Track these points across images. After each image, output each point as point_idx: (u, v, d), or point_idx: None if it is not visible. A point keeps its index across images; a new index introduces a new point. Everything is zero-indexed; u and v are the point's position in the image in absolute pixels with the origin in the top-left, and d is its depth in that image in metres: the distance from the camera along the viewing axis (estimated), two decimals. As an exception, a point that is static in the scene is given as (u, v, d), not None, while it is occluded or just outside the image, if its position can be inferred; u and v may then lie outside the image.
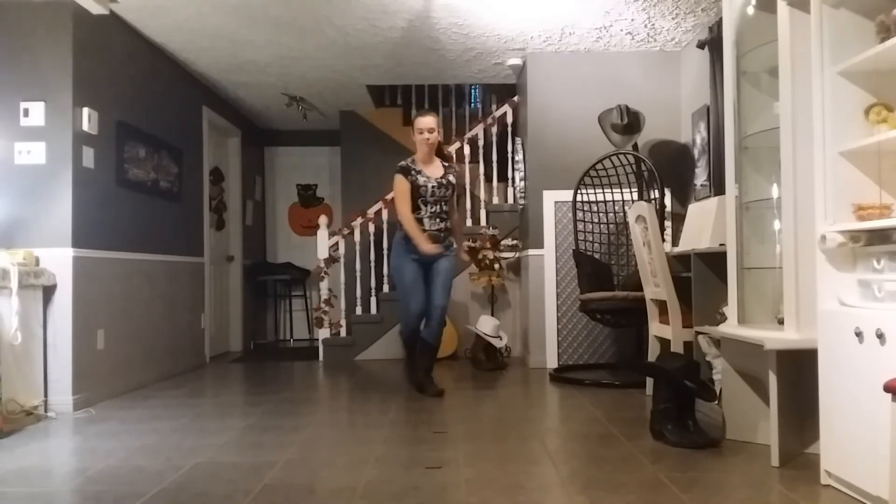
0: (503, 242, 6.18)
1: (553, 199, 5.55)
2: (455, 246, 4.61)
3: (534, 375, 5.21)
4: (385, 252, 6.34)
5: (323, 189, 8.39)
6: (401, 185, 4.41)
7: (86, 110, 4.24)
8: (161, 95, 5.39)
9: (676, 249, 4.32)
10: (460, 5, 4.63)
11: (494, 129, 6.41)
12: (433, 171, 4.46)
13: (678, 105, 5.59)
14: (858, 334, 2.24)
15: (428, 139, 4.42)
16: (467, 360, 5.99)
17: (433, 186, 4.41)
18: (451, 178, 4.50)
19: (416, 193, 4.38)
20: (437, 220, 4.43)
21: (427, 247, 4.30)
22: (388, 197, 6.34)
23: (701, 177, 5.06)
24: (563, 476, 2.66)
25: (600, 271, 4.93)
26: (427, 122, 4.43)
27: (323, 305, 6.30)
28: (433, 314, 4.39)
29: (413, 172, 4.41)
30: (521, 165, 5.98)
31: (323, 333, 6.34)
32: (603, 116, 5.20)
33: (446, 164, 4.58)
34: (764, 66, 3.12)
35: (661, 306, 4.02)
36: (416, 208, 4.39)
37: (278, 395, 4.55)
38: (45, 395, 3.99)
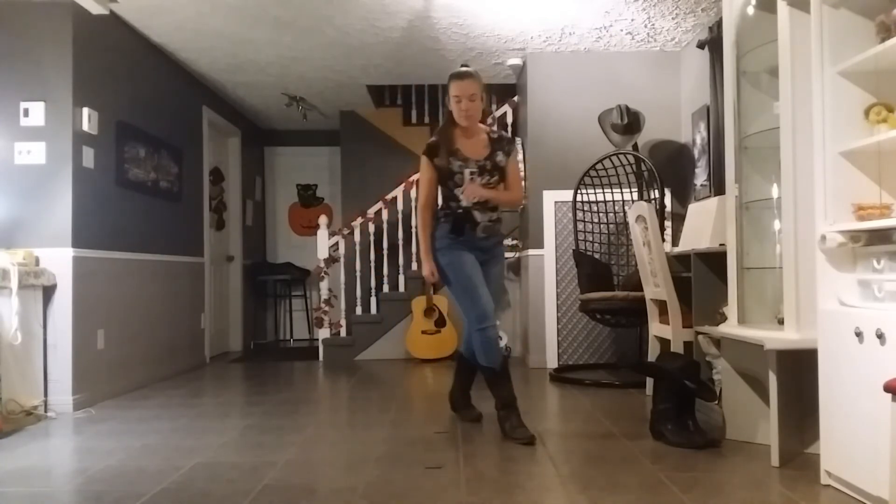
0: (503, 242, 6.17)
1: (553, 199, 5.55)
2: (501, 236, 3.59)
3: (534, 375, 5.21)
4: (385, 252, 6.34)
5: (323, 189, 8.39)
6: (425, 172, 3.39)
7: (86, 110, 4.24)
8: (161, 95, 5.39)
9: (676, 249, 4.32)
10: (460, 5, 4.63)
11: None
12: (474, 149, 3.34)
13: (678, 105, 5.59)
14: (858, 334, 2.24)
15: (466, 109, 3.28)
16: (467, 360, 5.98)
17: (472, 173, 3.30)
18: (500, 158, 3.35)
19: (452, 181, 3.34)
20: (488, 211, 3.37)
21: (427, 269, 3.41)
22: (388, 197, 6.36)
23: (701, 177, 5.06)
24: (563, 476, 2.66)
25: (600, 271, 4.93)
26: (464, 86, 3.26)
27: (323, 305, 6.30)
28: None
29: (443, 153, 3.34)
30: (521, 165, 5.98)
31: (323, 333, 6.34)
32: (603, 116, 5.20)
33: (496, 134, 3.44)
34: (764, 66, 3.12)
35: (661, 306, 4.01)
36: (453, 197, 3.36)
37: (278, 395, 4.55)
38: (45, 395, 3.99)
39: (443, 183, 3.41)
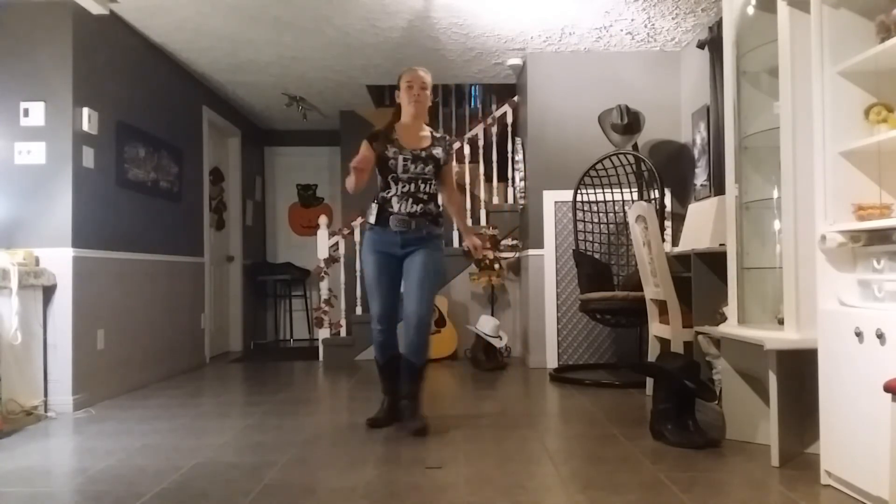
0: (503, 242, 6.18)
1: (553, 199, 5.55)
2: (450, 232, 3.82)
3: (534, 375, 5.21)
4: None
5: (323, 189, 8.39)
6: (361, 150, 3.47)
7: (86, 110, 4.24)
8: (161, 95, 5.39)
9: (676, 249, 4.32)
10: (460, 5, 4.63)
11: (494, 129, 6.41)
12: (414, 141, 3.51)
13: (678, 105, 5.59)
14: (858, 334, 2.24)
15: (418, 96, 3.51)
16: (467, 361, 5.99)
17: (405, 160, 3.44)
18: (437, 151, 3.52)
19: (385, 168, 3.47)
20: (410, 201, 3.46)
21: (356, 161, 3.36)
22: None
23: (701, 177, 5.06)
24: (563, 476, 2.66)
25: (600, 271, 4.93)
26: (418, 75, 3.53)
27: (323, 305, 6.30)
28: (408, 322, 3.45)
29: (381, 140, 3.49)
30: (521, 165, 5.98)
31: (323, 333, 6.33)
32: (603, 116, 5.20)
33: (439, 133, 3.63)
34: (764, 66, 3.12)
35: (661, 306, 4.02)
36: (385, 186, 3.50)
37: (278, 395, 4.55)
38: (45, 395, 3.99)
39: (380, 171, 3.52)
